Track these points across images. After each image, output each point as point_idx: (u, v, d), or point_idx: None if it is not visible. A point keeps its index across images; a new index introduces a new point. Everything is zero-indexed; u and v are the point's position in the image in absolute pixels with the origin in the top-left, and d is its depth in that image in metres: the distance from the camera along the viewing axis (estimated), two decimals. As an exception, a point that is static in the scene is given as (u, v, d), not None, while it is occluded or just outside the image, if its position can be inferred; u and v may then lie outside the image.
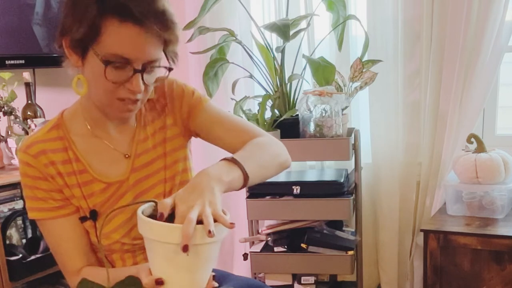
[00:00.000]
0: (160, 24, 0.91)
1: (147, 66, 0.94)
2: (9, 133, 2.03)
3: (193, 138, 1.18)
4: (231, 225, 0.81)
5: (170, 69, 1.00)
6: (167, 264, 0.82)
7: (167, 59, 1.00)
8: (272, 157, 1.03)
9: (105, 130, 1.07)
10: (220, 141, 1.11)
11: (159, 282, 0.83)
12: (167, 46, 0.97)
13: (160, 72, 0.99)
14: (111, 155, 1.08)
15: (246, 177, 0.92)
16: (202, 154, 2.06)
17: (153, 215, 0.84)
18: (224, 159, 0.93)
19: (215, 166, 0.90)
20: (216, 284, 0.90)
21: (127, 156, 1.08)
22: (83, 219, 1.06)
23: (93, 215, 1.05)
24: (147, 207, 0.87)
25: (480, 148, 1.79)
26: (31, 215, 1.05)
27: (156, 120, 1.12)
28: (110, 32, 0.90)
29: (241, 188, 0.93)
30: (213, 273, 0.89)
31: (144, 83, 0.95)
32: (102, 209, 1.06)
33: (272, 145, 1.06)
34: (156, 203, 0.87)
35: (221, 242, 0.85)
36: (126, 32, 0.90)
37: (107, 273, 0.87)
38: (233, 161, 0.92)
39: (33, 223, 1.98)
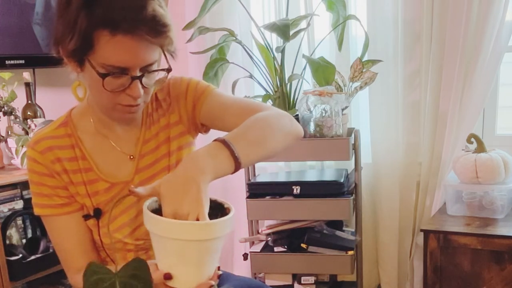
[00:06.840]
0: (151, 31, 0.89)
1: (145, 70, 0.93)
2: (9, 133, 2.03)
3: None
4: None
5: (169, 70, 0.98)
6: (175, 259, 0.83)
7: (165, 57, 0.98)
8: (273, 129, 0.95)
9: (111, 130, 1.08)
10: (229, 127, 1.02)
11: (167, 277, 0.83)
12: (163, 46, 0.95)
13: (160, 72, 0.98)
14: (116, 156, 1.08)
15: (236, 161, 0.86)
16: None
17: (157, 210, 0.85)
18: (215, 140, 0.87)
19: (203, 150, 0.85)
20: (220, 272, 0.90)
21: (131, 157, 1.09)
22: (86, 217, 1.07)
23: (97, 213, 1.06)
24: (152, 202, 0.88)
25: (480, 148, 1.78)
26: (36, 210, 1.06)
27: (162, 118, 1.11)
28: (102, 44, 0.88)
29: (234, 172, 0.87)
30: (219, 265, 0.89)
31: (144, 86, 0.95)
32: (106, 208, 1.07)
33: (275, 117, 0.98)
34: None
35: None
36: (118, 43, 0.88)
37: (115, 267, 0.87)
38: (223, 143, 0.86)
39: (33, 223, 1.98)
